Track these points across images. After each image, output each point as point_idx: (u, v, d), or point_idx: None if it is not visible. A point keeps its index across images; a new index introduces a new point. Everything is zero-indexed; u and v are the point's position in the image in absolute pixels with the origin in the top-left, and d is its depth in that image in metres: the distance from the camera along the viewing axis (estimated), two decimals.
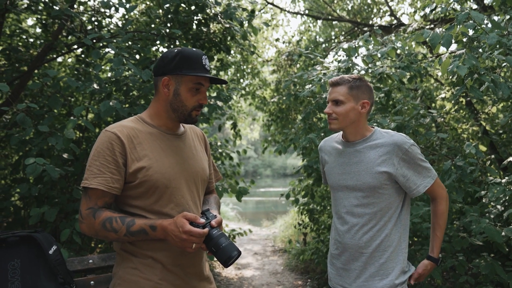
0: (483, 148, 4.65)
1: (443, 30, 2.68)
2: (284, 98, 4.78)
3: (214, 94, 4.14)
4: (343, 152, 1.87)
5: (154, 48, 4.11)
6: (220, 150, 5.10)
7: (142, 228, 1.39)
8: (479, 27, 2.66)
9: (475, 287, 3.42)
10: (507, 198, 2.99)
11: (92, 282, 1.87)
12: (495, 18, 3.14)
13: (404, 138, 1.77)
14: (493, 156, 4.36)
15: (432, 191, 1.82)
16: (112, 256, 2.01)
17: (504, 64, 3.01)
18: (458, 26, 2.66)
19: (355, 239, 1.77)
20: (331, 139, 2.00)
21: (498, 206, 3.08)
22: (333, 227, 1.91)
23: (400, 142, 1.74)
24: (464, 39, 2.79)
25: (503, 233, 2.62)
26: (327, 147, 1.99)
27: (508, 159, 3.48)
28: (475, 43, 2.77)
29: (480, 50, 2.78)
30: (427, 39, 2.71)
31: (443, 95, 5.28)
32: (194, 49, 1.52)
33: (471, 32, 2.74)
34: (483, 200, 3.17)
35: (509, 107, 4.69)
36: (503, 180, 2.93)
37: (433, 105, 5.47)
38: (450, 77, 4.30)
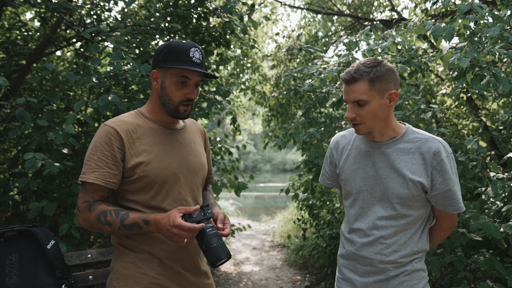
0: (483, 144, 4.64)
1: (445, 23, 2.66)
2: (284, 92, 4.76)
3: (214, 89, 4.13)
4: (367, 153, 1.58)
5: (153, 42, 4.08)
6: (219, 145, 5.09)
7: (136, 222, 1.39)
8: (481, 21, 2.64)
9: (473, 282, 3.43)
10: (506, 194, 2.99)
11: (90, 276, 1.86)
12: (496, 13, 3.12)
13: (442, 145, 1.50)
14: (493, 152, 4.35)
15: (451, 217, 1.60)
16: (111, 250, 2.00)
17: (505, 59, 3.00)
18: (460, 19, 2.64)
19: (376, 253, 1.54)
20: (349, 134, 1.70)
21: (498, 202, 3.08)
22: (346, 237, 1.65)
23: (436, 150, 1.48)
24: (467, 32, 2.77)
25: (501, 229, 2.62)
26: (344, 145, 1.68)
27: (508, 155, 3.47)
28: (476, 38, 2.75)
29: (481, 46, 2.77)
30: (429, 32, 2.69)
31: (443, 91, 5.26)
32: (184, 41, 1.48)
33: (472, 25, 2.72)
34: (483, 197, 3.16)
35: (509, 103, 4.68)
36: (503, 176, 2.93)
37: (434, 100, 5.46)
38: (451, 72, 4.27)
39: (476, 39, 2.76)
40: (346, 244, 1.65)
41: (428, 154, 1.48)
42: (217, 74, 5.33)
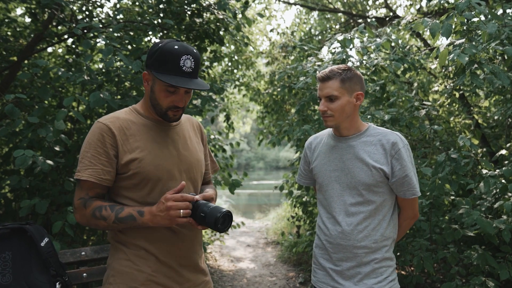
0: (475, 141, 4.68)
1: (443, 19, 2.66)
2: (279, 89, 4.76)
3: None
4: (335, 147, 1.77)
5: (146, 39, 4.05)
6: (213, 143, 5.08)
7: (130, 214, 1.39)
8: (477, 18, 2.65)
9: (466, 278, 3.46)
10: (497, 190, 3.02)
11: (84, 274, 1.85)
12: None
13: (399, 137, 1.71)
14: (484, 149, 4.39)
15: (411, 205, 1.76)
16: (105, 248, 2.00)
17: (499, 57, 3.03)
18: (455, 17, 2.66)
19: (349, 239, 1.68)
20: (321, 135, 1.91)
21: (489, 199, 3.11)
22: (320, 227, 1.80)
23: (394, 141, 1.68)
24: (464, 27, 2.78)
25: (494, 225, 2.65)
26: (316, 144, 1.88)
27: (500, 152, 3.51)
28: (473, 33, 2.77)
29: (474, 42, 2.79)
30: (427, 28, 2.70)
31: (436, 88, 5.29)
32: (177, 46, 1.39)
33: (466, 22, 2.73)
34: (474, 192, 3.20)
35: (501, 101, 4.72)
36: (495, 173, 2.96)
37: (426, 98, 5.49)
38: (444, 70, 4.29)
39: (473, 33, 2.78)
40: (320, 234, 1.80)
41: (387, 145, 1.68)
42: (210, 72, 5.30)
